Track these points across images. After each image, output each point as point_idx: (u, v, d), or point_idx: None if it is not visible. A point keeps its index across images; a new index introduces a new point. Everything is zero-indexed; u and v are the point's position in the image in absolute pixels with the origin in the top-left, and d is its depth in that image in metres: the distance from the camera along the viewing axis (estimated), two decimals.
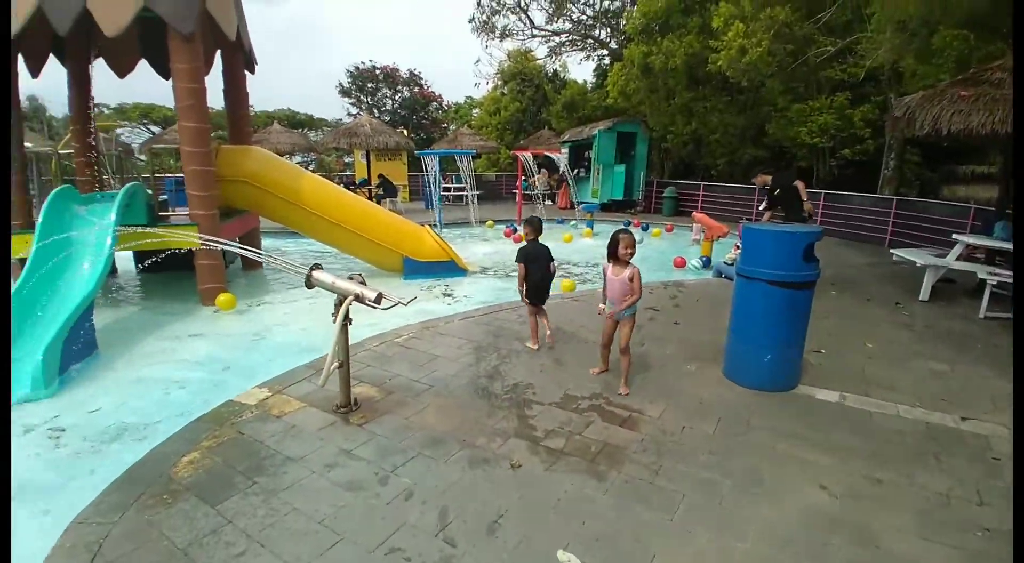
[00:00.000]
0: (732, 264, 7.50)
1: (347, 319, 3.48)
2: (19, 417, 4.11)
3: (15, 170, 6.01)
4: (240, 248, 3.34)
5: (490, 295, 7.45)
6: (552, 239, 12.51)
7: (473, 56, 30.61)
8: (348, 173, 22.63)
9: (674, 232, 13.65)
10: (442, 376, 4.18)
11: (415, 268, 8.17)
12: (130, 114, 26.09)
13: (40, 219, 5.56)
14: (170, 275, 8.21)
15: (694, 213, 11.19)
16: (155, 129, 26.20)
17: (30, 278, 5.17)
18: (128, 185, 6.29)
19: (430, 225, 8.88)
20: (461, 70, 33.12)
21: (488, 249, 11.31)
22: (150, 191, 6.84)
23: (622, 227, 3.25)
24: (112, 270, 8.94)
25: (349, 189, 17.47)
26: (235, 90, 8.29)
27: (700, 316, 5.97)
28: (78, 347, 4.87)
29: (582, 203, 16.40)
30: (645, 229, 13.53)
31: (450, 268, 8.41)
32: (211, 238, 3.28)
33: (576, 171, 18.48)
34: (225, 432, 3.37)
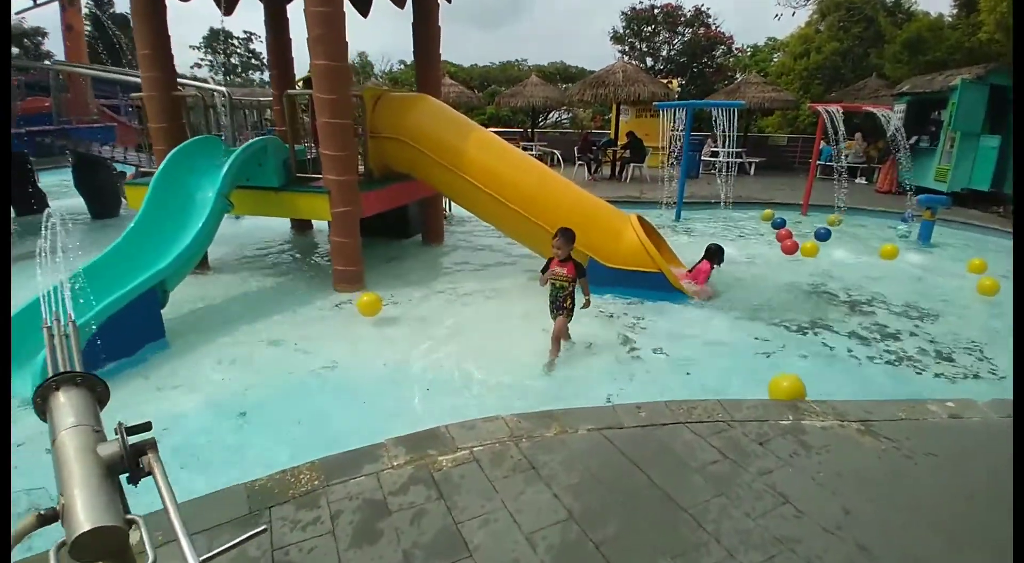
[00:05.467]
0: None
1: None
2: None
3: (169, 119, 5.47)
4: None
5: (704, 357, 4.38)
6: (856, 249, 7.86)
7: None
8: (604, 131, 20.33)
9: None
10: None
11: (604, 276, 5.55)
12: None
13: (157, 172, 4.84)
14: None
15: None
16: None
17: (124, 243, 4.47)
18: (255, 139, 5.24)
19: (638, 215, 6.05)
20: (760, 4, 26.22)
21: (735, 253, 7.53)
22: (288, 146, 5.74)
23: None
24: (310, 227, 8.67)
25: (591, 150, 15.21)
26: (424, 25, 6.65)
27: None
28: (126, 337, 3.97)
29: (917, 189, 10.70)
30: None
31: (656, 284, 5.53)
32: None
33: (914, 139, 12.49)
34: None
